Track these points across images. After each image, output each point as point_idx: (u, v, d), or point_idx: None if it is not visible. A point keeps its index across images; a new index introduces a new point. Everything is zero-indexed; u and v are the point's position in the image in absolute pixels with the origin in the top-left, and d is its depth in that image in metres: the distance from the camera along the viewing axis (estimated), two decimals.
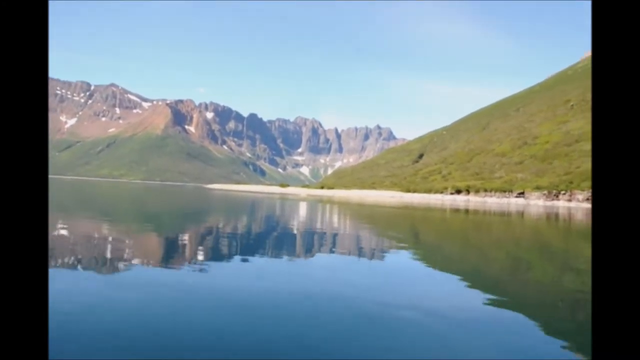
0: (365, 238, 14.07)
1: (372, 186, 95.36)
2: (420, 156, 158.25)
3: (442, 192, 67.76)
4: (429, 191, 69.91)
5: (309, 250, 10.25)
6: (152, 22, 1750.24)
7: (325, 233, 14.81)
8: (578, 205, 52.14)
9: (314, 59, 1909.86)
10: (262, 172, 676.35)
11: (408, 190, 72.25)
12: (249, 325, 4.40)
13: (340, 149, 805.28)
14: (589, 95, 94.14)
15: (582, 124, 78.47)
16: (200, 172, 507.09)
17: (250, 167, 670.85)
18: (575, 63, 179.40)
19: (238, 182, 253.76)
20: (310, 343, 4.04)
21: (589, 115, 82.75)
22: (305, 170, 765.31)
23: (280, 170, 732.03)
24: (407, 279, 7.65)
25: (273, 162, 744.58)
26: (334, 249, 10.75)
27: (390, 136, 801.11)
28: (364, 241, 13.10)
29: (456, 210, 39.02)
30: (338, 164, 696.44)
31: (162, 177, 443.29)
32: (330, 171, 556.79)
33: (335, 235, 14.20)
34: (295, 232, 14.90)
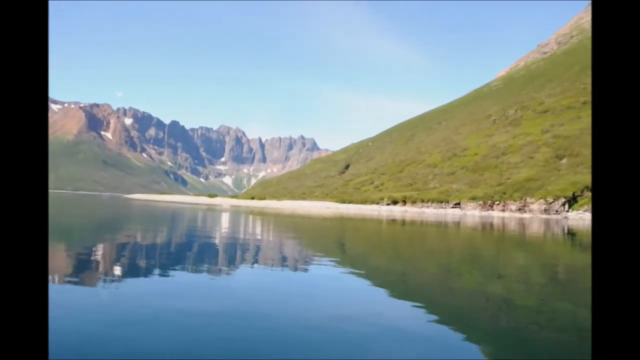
0: (298, 251, 13.90)
1: (303, 197, 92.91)
2: (347, 167, 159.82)
3: (378, 203, 66.57)
4: (364, 202, 68.55)
5: (251, 268, 9.80)
6: (64, 18, 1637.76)
7: (261, 247, 14.35)
8: (512, 215, 53.17)
9: (239, 67, 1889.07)
10: (184, 182, 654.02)
11: (343, 201, 70.42)
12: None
13: (264, 159, 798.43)
14: (509, 111, 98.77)
15: (506, 137, 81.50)
16: (117, 181, 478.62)
17: (172, 176, 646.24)
18: (490, 81, 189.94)
19: (159, 192, 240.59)
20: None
21: (511, 129, 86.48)
22: (228, 180, 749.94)
23: (202, 179, 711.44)
24: (337, 291, 7.59)
25: (195, 172, 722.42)
26: (268, 264, 10.38)
27: (314, 147, 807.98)
28: (296, 254, 12.97)
29: (393, 221, 38.61)
30: (262, 174, 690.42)
31: (75, 186, 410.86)
32: (253, 181, 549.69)
33: (271, 249, 13.87)
34: (242, 249, 13.51)
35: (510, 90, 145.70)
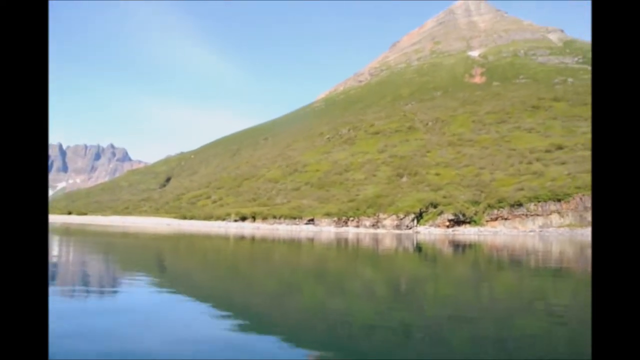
0: (115, 271, 13.07)
1: (127, 212, 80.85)
2: (168, 179, 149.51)
3: (224, 219, 60.48)
4: (208, 218, 61.72)
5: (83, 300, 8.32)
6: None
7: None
8: (366, 231, 53.19)
9: None
10: None
11: (184, 217, 62.30)
12: None
13: (64, 168, 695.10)
14: (341, 130, 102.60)
15: (345, 155, 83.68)
16: None
17: None
18: (312, 102, 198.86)
19: None
20: None
21: (347, 147, 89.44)
22: None
23: None
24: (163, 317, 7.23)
25: None
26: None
27: (126, 157, 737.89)
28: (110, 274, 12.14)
29: (241, 238, 37.36)
30: (61, 185, 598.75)
31: None
32: (51, 192, 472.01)
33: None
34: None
35: (332, 111, 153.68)
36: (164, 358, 5.05)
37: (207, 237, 39.09)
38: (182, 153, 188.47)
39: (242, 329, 6.38)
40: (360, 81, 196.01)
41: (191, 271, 15.19)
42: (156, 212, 76.06)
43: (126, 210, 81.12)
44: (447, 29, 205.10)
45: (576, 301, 11.44)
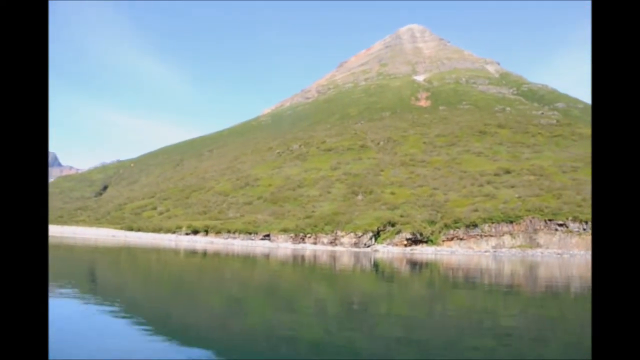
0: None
1: (61, 221, 75.09)
2: (105, 188, 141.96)
3: (174, 232, 57.47)
4: (157, 230, 58.40)
5: None
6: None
7: None
8: (324, 248, 52.47)
9: None
10: None
11: (130, 229, 58.51)
12: None
13: None
14: (292, 146, 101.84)
15: (297, 170, 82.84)
16: None
17: None
18: (258, 116, 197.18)
19: None
20: None
21: (299, 163, 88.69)
22: None
23: None
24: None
25: None
26: None
27: (55, 162, 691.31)
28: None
29: (192, 253, 35.96)
30: None
31: None
32: None
33: None
34: None
35: (280, 126, 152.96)
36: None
37: (156, 250, 37.12)
38: (119, 161, 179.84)
39: (172, 346, 6.05)
40: (308, 98, 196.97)
41: (130, 285, 14.47)
42: (96, 222, 71.11)
43: (60, 220, 75.31)
44: (393, 53, 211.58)
45: (523, 319, 11.88)
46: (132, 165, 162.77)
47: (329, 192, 68.94)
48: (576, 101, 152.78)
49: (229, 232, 56.08)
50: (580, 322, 11.95)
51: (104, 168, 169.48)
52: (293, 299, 13.37)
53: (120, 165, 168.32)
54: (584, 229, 50.15)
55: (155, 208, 76.16)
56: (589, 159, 70.33)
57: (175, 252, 36.74)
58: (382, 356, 7.33)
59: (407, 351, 7.81)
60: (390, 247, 52.87)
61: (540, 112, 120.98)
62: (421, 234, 53.62)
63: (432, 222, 55.34)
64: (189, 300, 11.50)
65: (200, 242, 53.71)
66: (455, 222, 53.72)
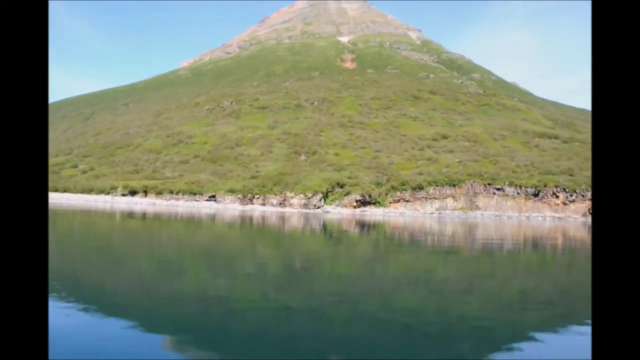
0: None
1: None
2: None
3: (109, 193, 52.99)
4: (87, 191, 53.31)
5: None
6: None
7: None
8: (274, 209, 51.55)
9: None
10: None
11: (55, 190, 52.77)
12: None
13: None
14: (223, 102, 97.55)
15: (233, 128, 79.68)
16: None
17: None
18: (176, 69, 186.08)
19: None
20: None
21: (233, 121, 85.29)
22: None
23: None
24: None
25: None
26: None
27: None
28: None
29: (130, 216, 33.88)
30: None
31: None
32: None
33: None
34: None
35: (201, 81, 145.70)
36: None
37: (87, 213, 34.01)
38: None
39: (86, 315, 5.75)
40: (229, 53, 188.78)
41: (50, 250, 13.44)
42: None
43: None
44: (317, 12, 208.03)
45: (456, 275, 12.67)
46: None
47: (270, 152, 67.24)
48: (489, 73, 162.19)
49: (171, 192, 52.77)
50: (505, 277, 13.02)
51: None
52: (233, 261, 12.95)
53: None
54: (518, 193, 54.21)
55: (76, 166, 69.40)
56: (514, 128, 75.31)
57: (111, 214, 34.09)
58: (316, 313, 7.27)
59: (340, 306, 7.84)
60: (340, 209, 53.16)
61: (460, 81, 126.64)
62: (370, 196, 54.43)
63: (379, 184, 56.30)
64: (116, 265, 10.72)
65: (140, 203, 49.98)
66: (402, 184, 55.16)
